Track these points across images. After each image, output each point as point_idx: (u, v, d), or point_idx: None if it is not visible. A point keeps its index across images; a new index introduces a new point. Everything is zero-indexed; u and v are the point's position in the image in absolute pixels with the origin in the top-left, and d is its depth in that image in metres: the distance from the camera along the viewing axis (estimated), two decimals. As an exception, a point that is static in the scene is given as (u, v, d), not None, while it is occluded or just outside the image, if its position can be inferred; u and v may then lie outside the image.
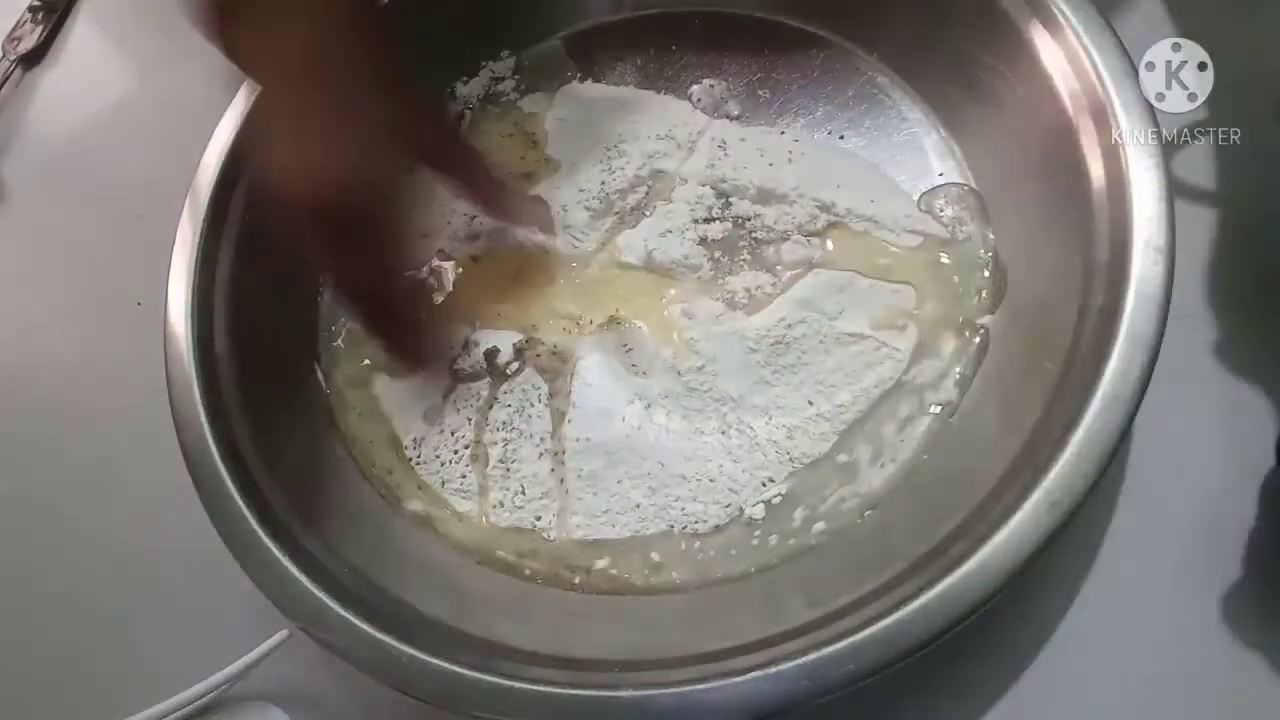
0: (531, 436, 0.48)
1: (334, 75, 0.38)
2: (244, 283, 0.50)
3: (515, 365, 0.50)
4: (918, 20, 0.50)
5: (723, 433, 0.46)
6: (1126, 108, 0.40)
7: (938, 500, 0.42)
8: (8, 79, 0.67)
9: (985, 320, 0.46)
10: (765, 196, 0.51)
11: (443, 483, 0.48)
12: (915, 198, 0.49)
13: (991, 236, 0.48)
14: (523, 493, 0.47)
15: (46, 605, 0.51)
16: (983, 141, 0.49)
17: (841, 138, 0.52)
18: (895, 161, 0.51)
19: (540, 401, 0.49)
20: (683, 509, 0.46)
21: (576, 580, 0.46)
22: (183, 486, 0.44)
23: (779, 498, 0.45)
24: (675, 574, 0.45)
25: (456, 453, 0.49)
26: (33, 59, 0.68)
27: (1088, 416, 0.37)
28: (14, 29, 0.68)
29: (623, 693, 0.37)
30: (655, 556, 0.45)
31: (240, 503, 0.43)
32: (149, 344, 0.47)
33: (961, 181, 0.49)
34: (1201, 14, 0.47)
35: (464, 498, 0.48)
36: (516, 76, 0.57)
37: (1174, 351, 0.45)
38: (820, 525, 0.44)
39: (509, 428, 0.48)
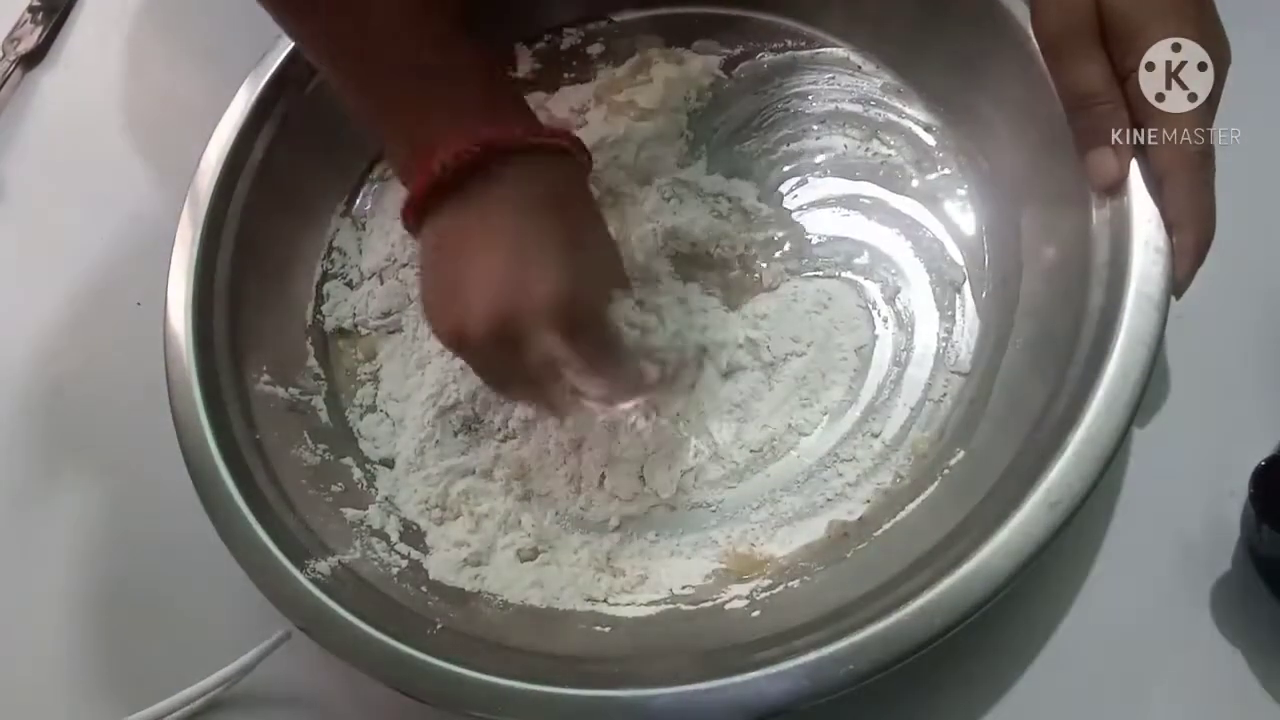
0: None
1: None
2: (244, 283, 0.50)
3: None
4: (918, 20, 0.50)
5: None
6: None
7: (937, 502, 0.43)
8: (7, 79, 0.67)
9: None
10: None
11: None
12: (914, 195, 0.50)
13: (990, 233, 0.48)
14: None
15: (47, 605, 0.51)
16: (981, 142, 0.49)
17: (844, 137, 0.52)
18: (895, 161, 0.51)
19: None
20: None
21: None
22: (183, 486, 0.44)
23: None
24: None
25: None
26: (33, 59, 0.68)
27: (1087, 416, 0.37)
28: (14, 29, 0.68)
29: (623, 692, 0.37)
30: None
31: (240, 503, 0.43)
32: (149, 344, 0.47)
33: (961, 181, 0.49)
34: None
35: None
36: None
37: (1174, 351, 0.45)
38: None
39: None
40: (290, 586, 0.41)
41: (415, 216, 0.41)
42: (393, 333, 0.52)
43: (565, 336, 0.39)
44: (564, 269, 0.39)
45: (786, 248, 0.50)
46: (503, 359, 0.40)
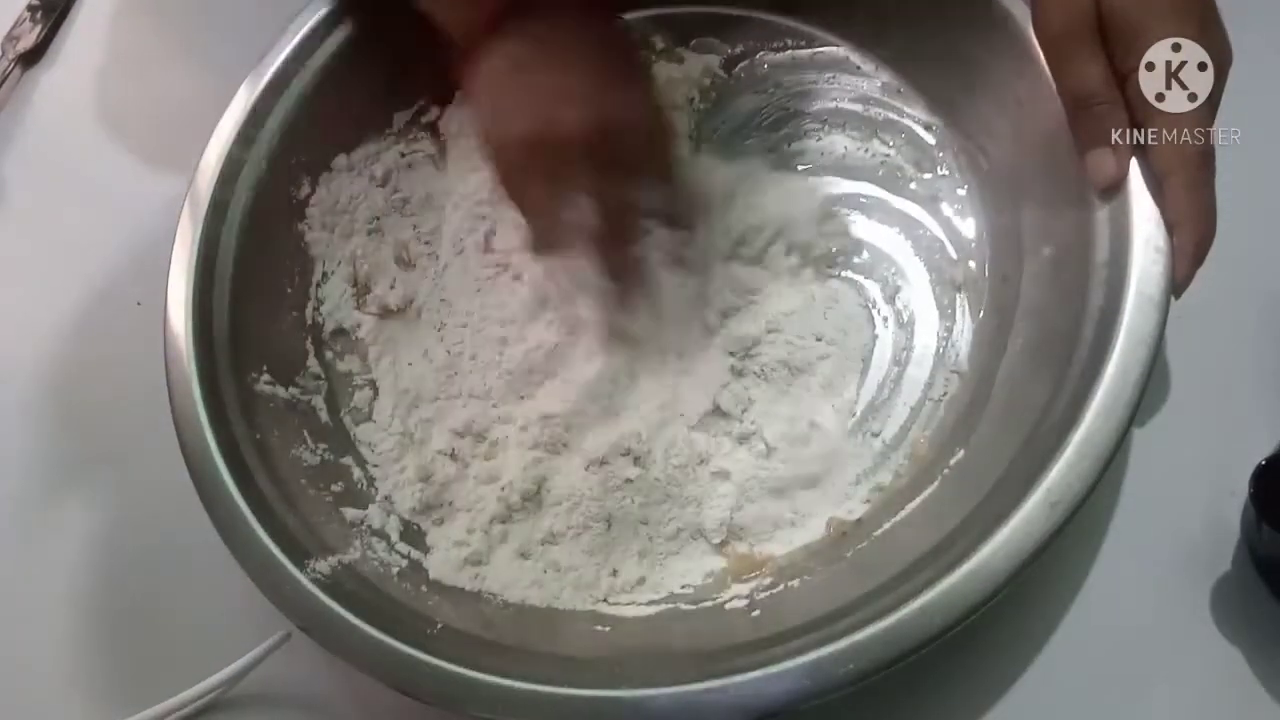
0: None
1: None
2: (244, 282, 0.50)
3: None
4: (917, 20, 0.50)
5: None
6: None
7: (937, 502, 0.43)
8: (7, 78, 0.67)
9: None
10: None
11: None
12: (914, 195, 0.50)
13: (990, 233, 0.48)
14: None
15: (47, 605, 0.51)
16: (981, 142, 0.49)
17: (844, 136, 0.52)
18: (895, 161, 0.51)
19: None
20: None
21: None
22: (183, 486, 0.44)
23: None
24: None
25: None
26: (32, 58, 0.68)
27: (1088, 416, 0.37)
28: (13, 28, 0.68)
29: (623, 692, 0.37)
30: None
31: (240, 503, 0.43)
32: (149, 344, 0.47)
33: (961, 181, 0.49)
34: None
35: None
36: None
37: (1174, 351, 0.45)
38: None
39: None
40: (290, 586, 0.41)
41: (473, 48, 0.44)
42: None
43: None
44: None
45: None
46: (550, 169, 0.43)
